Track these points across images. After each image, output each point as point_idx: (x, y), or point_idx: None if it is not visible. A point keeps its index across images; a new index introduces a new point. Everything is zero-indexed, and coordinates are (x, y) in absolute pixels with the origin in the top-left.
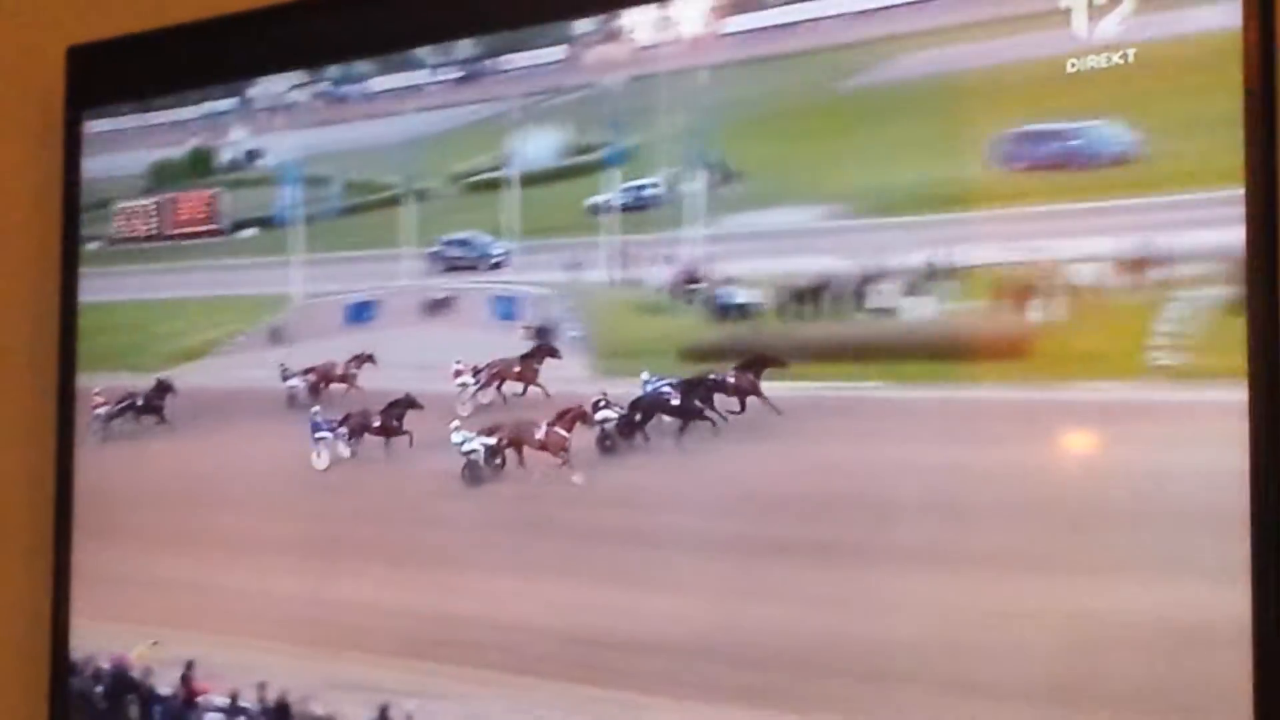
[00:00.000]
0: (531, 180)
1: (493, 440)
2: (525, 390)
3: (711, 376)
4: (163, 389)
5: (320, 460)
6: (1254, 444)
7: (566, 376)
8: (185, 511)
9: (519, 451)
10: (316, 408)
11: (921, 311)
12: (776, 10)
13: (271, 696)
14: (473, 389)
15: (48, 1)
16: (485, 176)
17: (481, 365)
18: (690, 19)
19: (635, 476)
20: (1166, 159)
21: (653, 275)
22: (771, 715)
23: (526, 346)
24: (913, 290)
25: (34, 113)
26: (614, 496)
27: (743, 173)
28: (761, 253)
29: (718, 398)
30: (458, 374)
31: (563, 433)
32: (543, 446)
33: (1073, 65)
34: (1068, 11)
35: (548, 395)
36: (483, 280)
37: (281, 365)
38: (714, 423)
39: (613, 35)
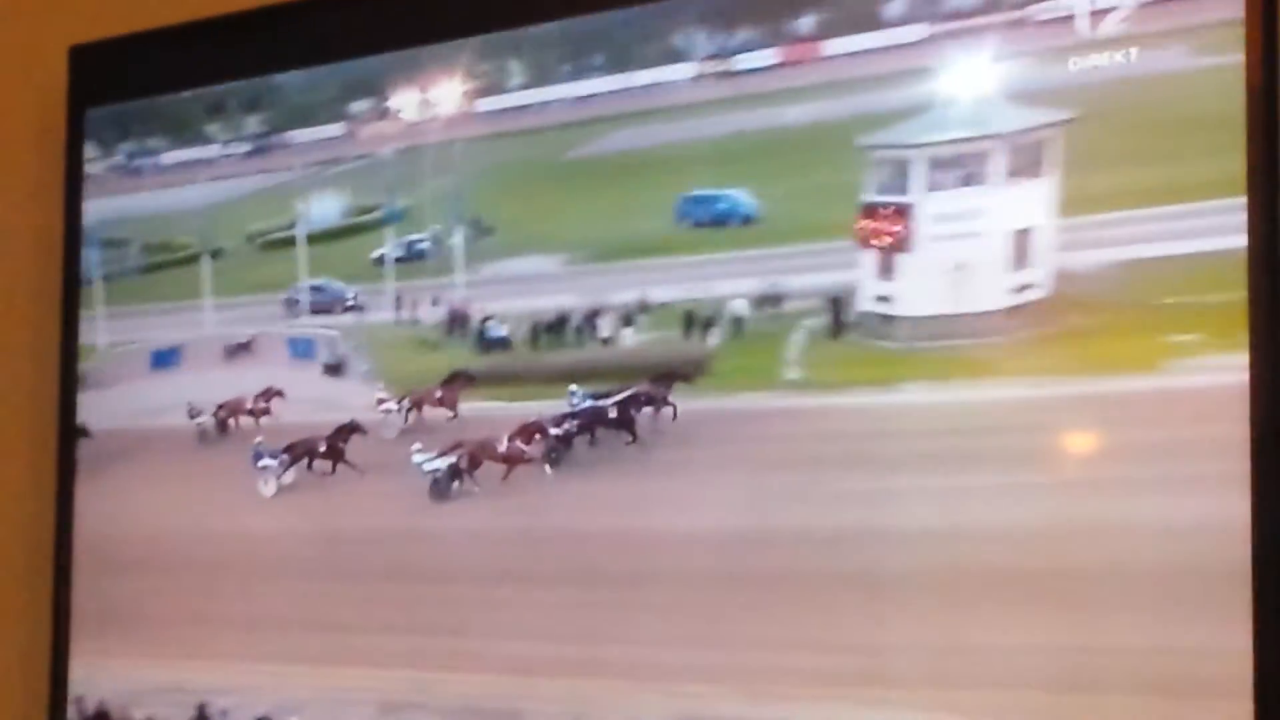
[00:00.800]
0: (320, 238)
1: (453, 458)
2: (455, 415)
3: (635, 391)
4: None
5: (267, 488)
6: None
7: (354, 404)
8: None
9: (477, 466)
10: (259, 438)
11: (633, 339)
12: (516, 94)
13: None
14: (399, 414)
15: (50, 1)
16: (278, 236)
17: (404, 394)
18: (448, 100)
19: (585, 484)
20: (780, 219)
21: (427, 315)
22: None
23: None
24: (626, 322)
25: (36, 111)
26: (568, 503)
27: (495, 228)
28: (514, 294)
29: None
30: (380, 402)
31: (523, 446)
32: (505, 459)
33: (720, 143)
34: (718, 101)
35: (455, 417)
36: (291, 325)
37: (188, 404)
38: (636, 437)
39: (384, 114)
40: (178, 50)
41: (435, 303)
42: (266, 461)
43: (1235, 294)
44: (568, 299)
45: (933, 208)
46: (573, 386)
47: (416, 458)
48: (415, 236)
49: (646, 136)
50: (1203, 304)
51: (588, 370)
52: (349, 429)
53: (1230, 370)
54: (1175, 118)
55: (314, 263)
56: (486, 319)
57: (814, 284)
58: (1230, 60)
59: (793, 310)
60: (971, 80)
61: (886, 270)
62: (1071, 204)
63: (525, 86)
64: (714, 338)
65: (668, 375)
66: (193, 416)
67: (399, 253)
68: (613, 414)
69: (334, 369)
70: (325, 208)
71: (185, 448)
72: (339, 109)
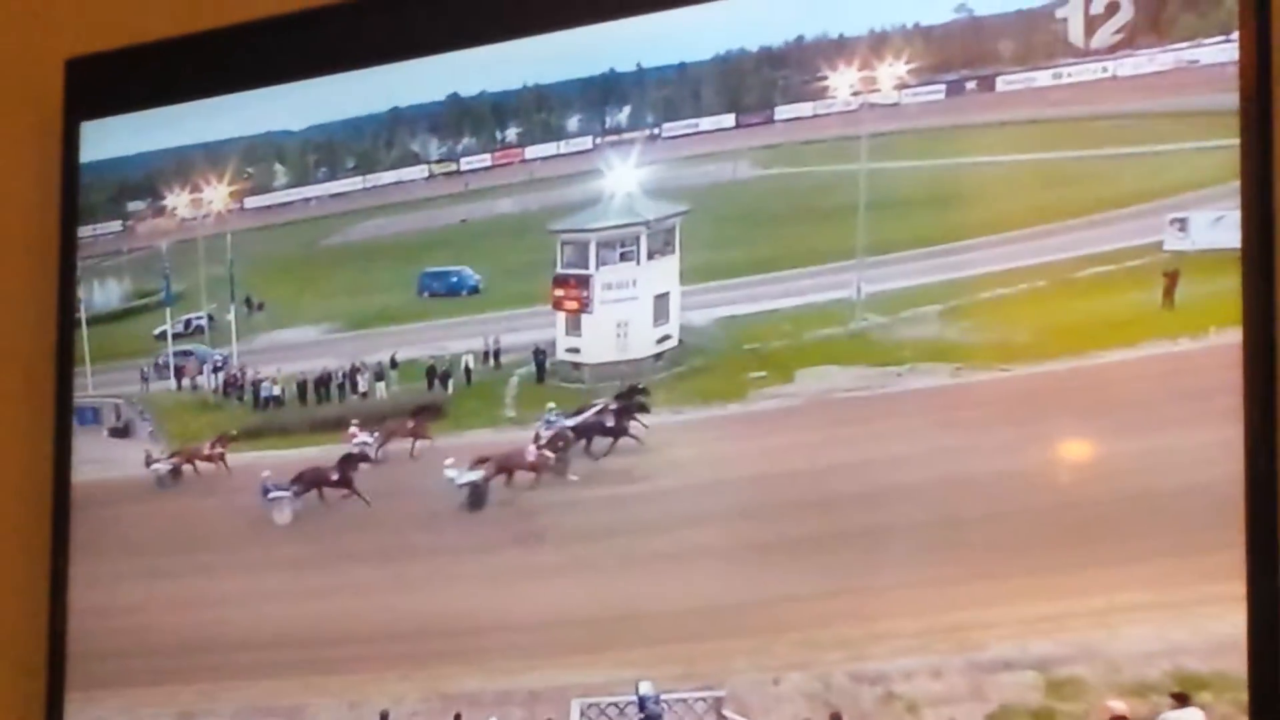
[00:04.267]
0: (104, 319)
1: (483, 470)
2: (415, 444)
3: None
4: None
5: (283, 516)
6: None
7: (139, 460)
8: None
9: (510, 475)
10: (266, 472)
11: (384, 392)
12: (280, 193)
13: None
14: (374, 445)
15: (46, 14)
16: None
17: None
18: (219, 199)
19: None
20: (498, 290)
21: (206, 381)
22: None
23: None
24: (378, 378)
25: (32, 123)
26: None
27: (265, 304)
28: (283, 359)
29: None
30: (353, 436)
31: (549, 453)
32: (533, 468)
33: (449, 229)
34: (446, 196)
35: (432, 445)
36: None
37: (146, 452)
38: (637, 439)
39: (160, 211)
40: (173, 64)
41: (215, 369)
42: (276, 494)
43: (790, 342)
44: (330, 361)
45: (603, 278)
46: (550, 404)
47: (448, 472)
48: (193, 315)
49: (390, 225)
50: (768, 349)
51: (349, 419)
52: (358, 458)
53: (786, 397)
54: (752, 212)
55: (101, 340)
56: (259, 380)
57: (524, 340)
58: (788, 171)
59: (509, 362)
60: (625, 179)
61: (574, 328)
62: (689, 274)
63: (287, 186)
64: (450, 387)
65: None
66: (149, 464)
67: (179, 329)
68: (610, 422)
69: (120, 431)
70: (107, 294)
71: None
72: (115, 208)
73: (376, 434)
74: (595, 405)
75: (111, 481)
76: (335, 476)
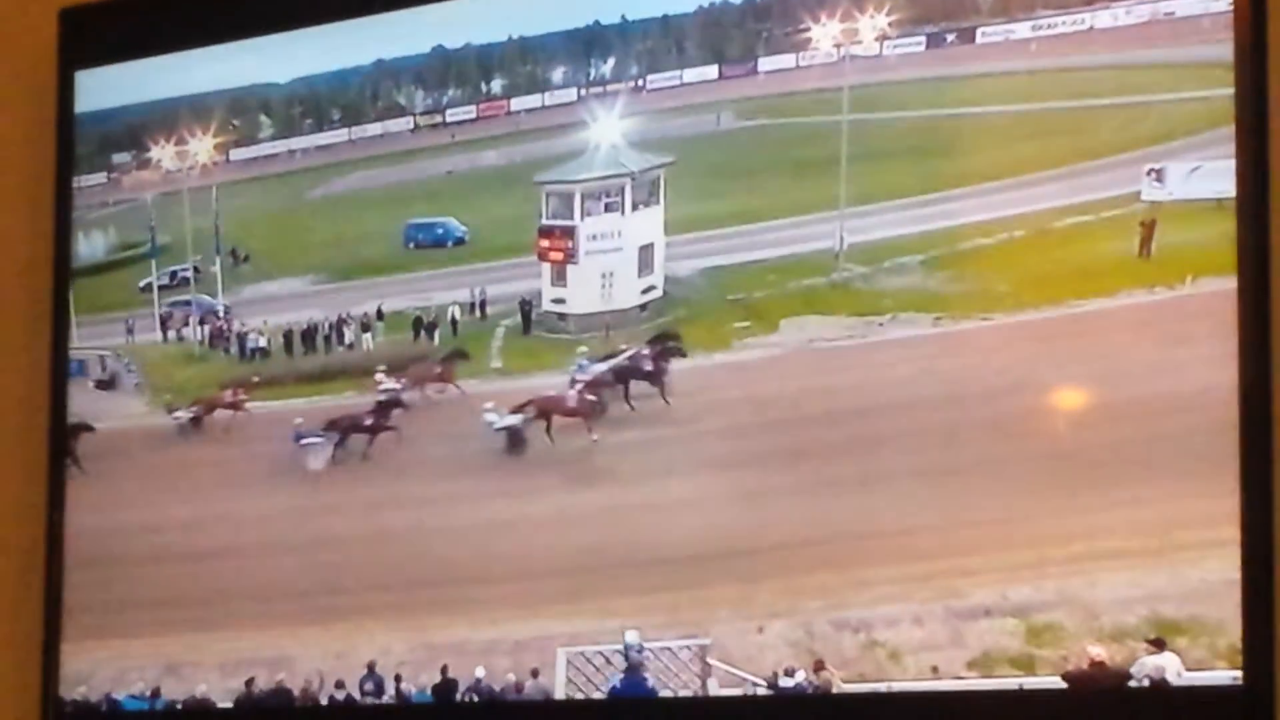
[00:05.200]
0: (89, 271)
1: (522, 415)
2: (447, 387)
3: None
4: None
5: (317, 462)
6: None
7: (125, 412)
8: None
9: (549, 420)
10: (299, 419)
11: (371, 343)
12: (266, 144)
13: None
14: (400, 389)
15: None
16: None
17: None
18: (204, 151)
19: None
20: (483, 241)
21: (192, 333)
22: None
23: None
24: (365, 329)
25: (25, 73)
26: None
27: (250, 256)
28: (269, 311)
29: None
30: (380, 383)
31: (591, 398)
32: (572, 412)
33: (434, 180)
34: (432, 148)
35: (463, 393)
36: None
37: (166, 401)
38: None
39: (145, 164)
40: (167, 13)
41: (202, 322)
42: (310, 440)
43: (773, 292)
44: (316, 313)
45: (588, 229)
46: (582, 349)
47: (487, 416)
48: (177, 267)
49: (375, 177)
50: (751, 299)
51: (335, 370)
52: (392, 403)
53: (769, 347)
54: (735, 163)
55: (86, 292)
56: (246, 332)
57: (509, 291)
58: (771, 122)
59: (494, 313)
60: (609, 131)
61: (560, 279)
62: (673, 225)
63: (273, 138)
64: (437, 338)
65: None
66: (171, 412)
67: (165, 281)
68: (648, 366)
69: (108, 384)
70: (93, 246)
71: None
72: (101, 160)
73: (403, 380)
74: (626, 350)
75: (112, 431)
76: (370, 421)
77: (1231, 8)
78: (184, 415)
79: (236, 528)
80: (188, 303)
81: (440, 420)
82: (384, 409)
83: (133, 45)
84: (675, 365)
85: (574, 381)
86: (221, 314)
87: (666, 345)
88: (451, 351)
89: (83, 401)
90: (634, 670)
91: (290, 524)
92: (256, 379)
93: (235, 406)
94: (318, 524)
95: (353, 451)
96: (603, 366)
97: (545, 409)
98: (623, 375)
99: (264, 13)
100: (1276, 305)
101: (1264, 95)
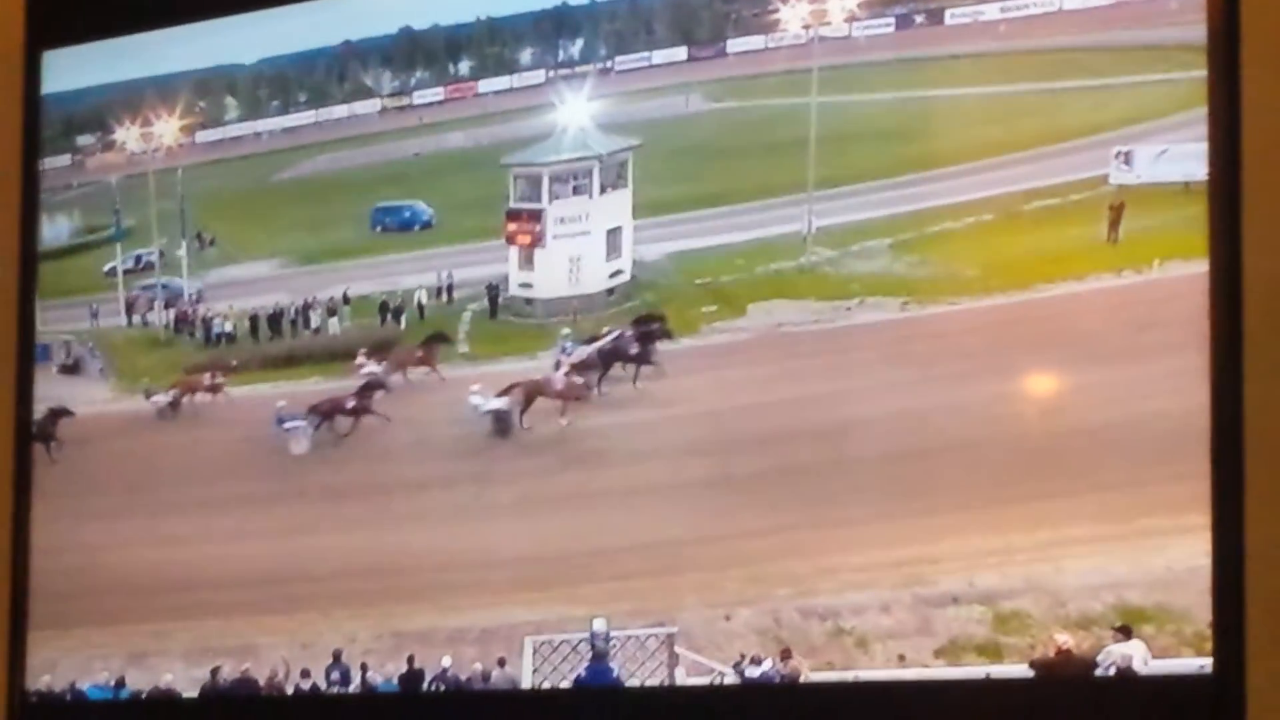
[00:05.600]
0: (53, 255)
1: (508, 398)
2: (429, 372)
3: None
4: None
5: (300, 446)
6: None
7: (89, 398)
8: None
9: (532, 402)
10: (281, 403)
11: (338, 328)
12: (232, 127)
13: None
14: (381, 373)
15: None
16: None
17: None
18: (169, 133)
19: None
20: (450, 224)
21: (157, 318)
22: None
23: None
24: (331, 313)
25: None
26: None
27: (216, 239)
28: (234, 295)
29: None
30: (360, 366)
31: (579, 380)
32: (560, 394)
33: (402, 162)
34: (399, 130)
35: (442, 378)
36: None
37: (145, 386)
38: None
39: (109, 146)
40: None
41: (167, 305)
42: (292, 423)
43: (741, 276)
44: (282, 297)
45: (556, 212)
46: (565, 330)
47: (473, 399)
48: (142, 250)
49: (342, 160)
50: (719, 284)
51: (301, 355)
52: (375, 385)
53: (737, 331)
54: (704, 146)
55: (50, 276)
56: (211, 317)
57: (476, 275)
58: (739, 104)
59: (461, 297)
60: (578, 114)
61: (527, 263)
62: (641, 209)
63: (239, 120)
64: (403, 323)
65: None
66: (149, 396)
67: (129, 265)
68: (634, 349)
69: (73, 368)
70: (56, 229)
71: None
72: (65, 142)
73: (385, 364)
74: (611, 332)
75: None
76: (352, 405)
77: None
78: (162, 399)
79: (205, 514)
80: (158, 285)
81: (410, 407)
82: (366, 392)
83: (100, 26)
84: (662, 347)
85: (559, 364)
86: (190, 298)
87: (651, 327)
88: (433, 335)
89: (47, 386)
90: (599, 659)
91: (258, 510)
92: (235, 362)
93: (214, 390)
94: (286, 510)
95: (333, 435)
96: (588, 349)
97: (531, 392)
98: (608, 357)
99: None
100: (1247, 288)
101: (1236, 77)
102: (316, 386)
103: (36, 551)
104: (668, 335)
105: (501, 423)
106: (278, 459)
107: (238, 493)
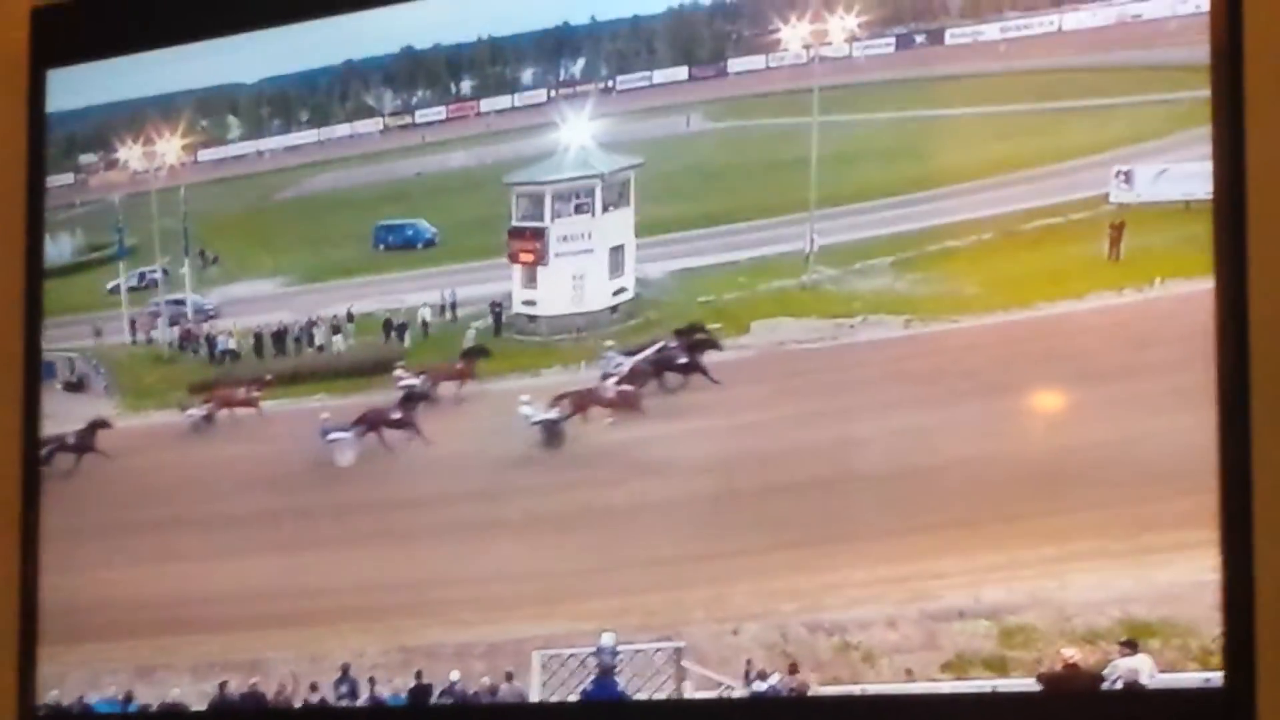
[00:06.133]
0: (56, 273)
1: (558, 409)
2: (463, 384)
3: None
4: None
5: (345, 458)
6: None
7: (94, 415)
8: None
9: (584, 412)
10: (325, 414)
11: (342, 345)
12: (234, 145)
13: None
14: (419, 386)
15: None
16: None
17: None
18: (172, 151)
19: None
20: (453, 242)
21: (161, 335)
22: None
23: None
24: (335, 331)
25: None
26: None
27: (219, 257)
28: (238, 313)
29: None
30: (400, 378)
31: (631, 389)
32: (612, 404)
33: (404, 181)
34: (401, 149)
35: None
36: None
37: (178, 399)
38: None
39: (112, 164)
40: (141, 11)
41: (171, 323)
42: (337, 434)
43: (744, 294)
44: (286, 315)
45: (558, 230)
46: (609, 342)
47: (524, 409)
48: (145, 269)
49: (344, 178)
50: (722, 302)
51: (307, 373)
52: (418, 396)
53: (740, 349)
54: (705, 165)
55: (53, 293)
56: (215, 334)
57: (480, 293)
58: (741, 124)
59: (465, 315)
60: (579, 132)
61: (530, 280)
62: (643, 227)
63: (241, 138)
64: (407, 340)
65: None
66: (184, 409)
67: (132, 283)
68: (683, 358)
69: (78, 386)
70: (60, 248)
71: (184, 438)
72: (68, 161)
73: (424, 376)
74: (656, 342)
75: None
76: (397, 416)
77: (1207, 10)
78: (197, 413)
79: (219, 528)
80: (180, 302)
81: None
82: (410, 402)
83: (104, 44)
84: (709, 357)
85: (606, 375)
86: (215, 312)
87: (698, 337)
88: (473, 347)
89: (51, 404)
90: (605, 674)
91: (268, 526)
92: (270, 376)
93: (249, 404)
94: (295, 526)
95: (381, 446)
96: (631, 360)
97: (583, 402)
98: (660, 366)
99: (234, 12)
100: (1253, 305)
101: (1240, 97)
102: (343, 401)
103: (45, 567)
104: (715, 345)
105: (552, 433)
106: (289, 476)
107: (246, 509)
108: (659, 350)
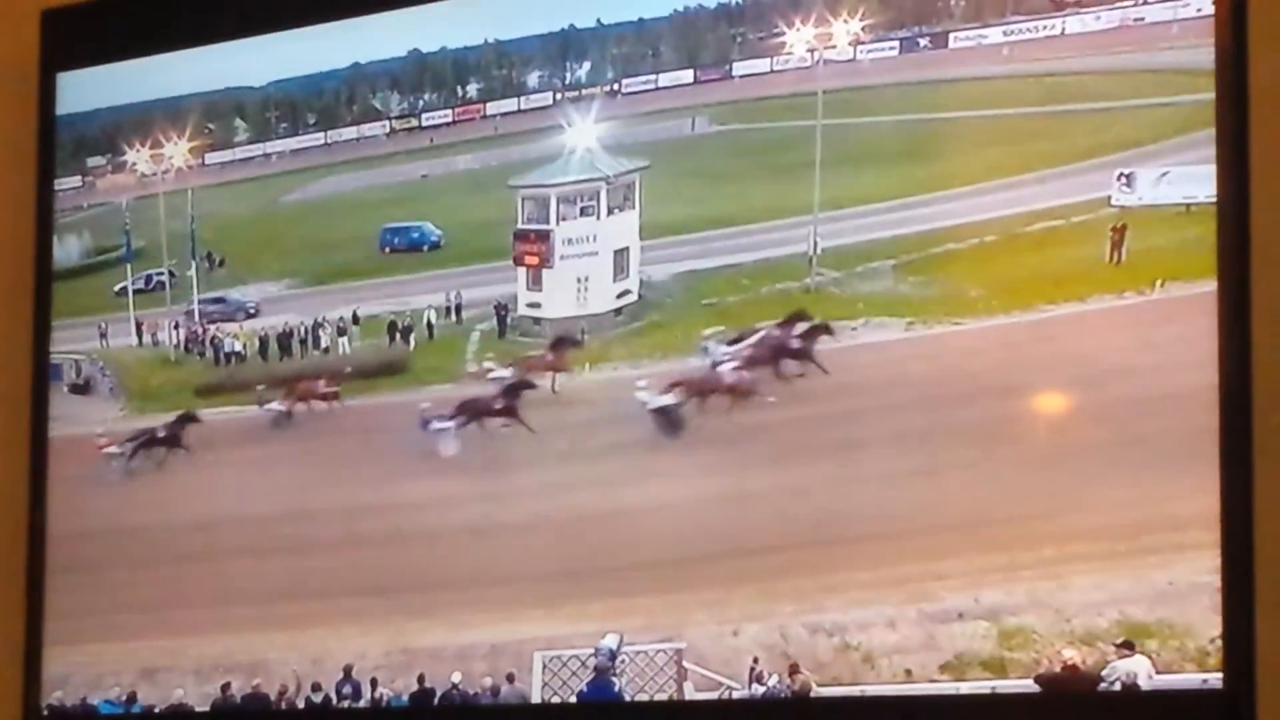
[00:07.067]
0: (63, 275)
1: (674, 394)
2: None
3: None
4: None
5: (448, 448)
6: None
7: (101, 418)
8: None
9: (704, 399)
10: (426, 404)
11: (347, 346)
12: (241, 148)
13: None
14: (508, 379)
15: None
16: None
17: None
18: (179, 154)
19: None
20: (459, 245)
21: (167, 337)
22: None
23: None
24: (341, 333)
25: (9, 75)
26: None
27: (225, 260)
28: (245, 315)
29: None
30: (489, 371)
31: (749, 375)
32: (730, 390)
33: (410, 184)
34: (407, 151)
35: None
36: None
37: (257, 393)
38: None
39: (120, 167)
40: (150, 15)
41: (177, 326)
42: (439, 425)
43: (748, 297)
44: (292, 317)
45: (563, 233)
46: (706, 331)
47: (640, 395)
48: (153, 271)
49: (351, 181)
50: (726, 304)
51: (313, 373)
52: (521, 385)
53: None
54: (710, 167)
55: (60, 296)
56: (221, 337)
57: (485, 296)
58: (745, 126)
59: (470, 317)
60: (585, 135)
61: (535, 283)
62: (648, 230)
63: (248, 142)
64: (412, 342)
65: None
66: (262, 404)
67: (140, 285)
68: (795, 344)
69: (83, 388)
70: (68, 250)
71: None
72: (75, 164)
73: (514, 368)
74: (759, 329)
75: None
76: (500, 405)
77: (1211, 13)
78: (277, 407)
79: (224, 530)
80: (221, 300)
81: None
82: (513, 391)
83: (114, 47)
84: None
85: (715, 363)
86: (254, 311)
87: (814, 323)
88: (561, 337)
89: (57, 406)
90: (600, 675)
91: (271, 527)
92: (349, 369)
93: (329, 398)
94: (295, 528)
95: (483, 434)
96: (734, 349)
97: (701, 389)
98: (776, 353)
99: (241, 16)
100: (1255, 308)
101: (1244, 99)
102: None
103: (50, 567)
104: (829, 331)
105: (670, 418)
106: (285, 477)
107: (249, 509)
108: (764, 337)
